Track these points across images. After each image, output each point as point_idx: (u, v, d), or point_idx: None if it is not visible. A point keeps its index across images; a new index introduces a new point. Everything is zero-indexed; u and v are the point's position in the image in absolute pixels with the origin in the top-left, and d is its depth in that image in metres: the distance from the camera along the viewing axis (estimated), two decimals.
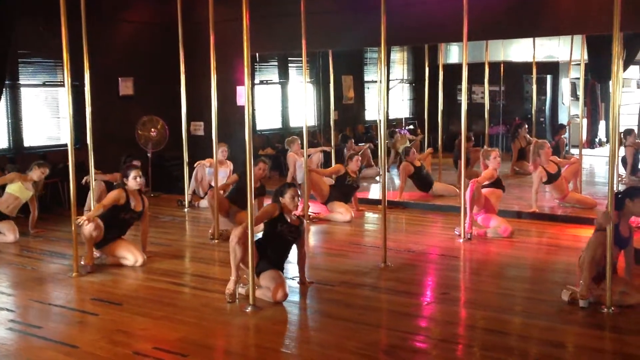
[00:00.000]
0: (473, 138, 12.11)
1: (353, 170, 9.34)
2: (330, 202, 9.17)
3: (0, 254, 7.55)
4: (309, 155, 9.57)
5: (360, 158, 9.51)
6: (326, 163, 11.55)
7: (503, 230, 7.85)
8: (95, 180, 7.93)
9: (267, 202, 6.22)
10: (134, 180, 6.97)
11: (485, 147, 11.99)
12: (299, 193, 5.98)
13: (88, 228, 6.67)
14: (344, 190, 9.28)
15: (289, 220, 5.81)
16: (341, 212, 8.98)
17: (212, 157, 8.89)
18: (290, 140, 11.35)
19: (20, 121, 10.22)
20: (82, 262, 6.72)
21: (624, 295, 5.42)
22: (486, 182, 8.01)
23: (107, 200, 7.04)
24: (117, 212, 6.93)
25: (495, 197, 8.09)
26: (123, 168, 7.43)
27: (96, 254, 6.91)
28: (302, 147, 9.34)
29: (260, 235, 5.92)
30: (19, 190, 8.28)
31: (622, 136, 10.97)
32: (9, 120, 10.09)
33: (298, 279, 6.16)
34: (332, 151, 11.29)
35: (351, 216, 8.94)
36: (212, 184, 9.43)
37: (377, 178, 11.97)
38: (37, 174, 8.46)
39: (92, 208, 7.84)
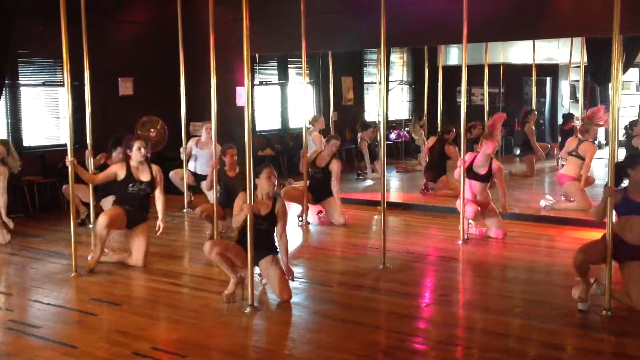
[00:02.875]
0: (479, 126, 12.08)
1: (323, 158, 8.73)
2: (322, 201, 8.89)
3: None
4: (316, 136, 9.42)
5: (338, 144, 8.89)
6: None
7: (495, 233, 7.87)
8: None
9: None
10: (137, 151, 6.80)
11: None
12: (275, 173, 5.81)
13: (101, 222, 6.58)
14: (315, 184, 8.77)
15: (256, 211, 5.59)
16: (335, 209, 8.81)
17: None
18: (314, 119, 11.18)
19: (19, 121, 10.20)
20: (89, 258, 6.72)
21: (624, 297, 5.42)
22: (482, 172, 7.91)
23: (102, 174, 7.03)
24: (123, 187, 6.81)
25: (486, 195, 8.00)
26: (125, 140, 7.19)
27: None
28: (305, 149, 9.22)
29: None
30: None
31: (628, 126, 10.98)
32: (9, 120, 10.07)
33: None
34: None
35: (344, 219, 8.73)
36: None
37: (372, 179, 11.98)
38: None
39: (91, 208, 7.89)
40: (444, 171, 10.41)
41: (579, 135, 9.22)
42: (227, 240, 5.78)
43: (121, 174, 6.84)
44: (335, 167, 8.72)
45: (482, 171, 7.82)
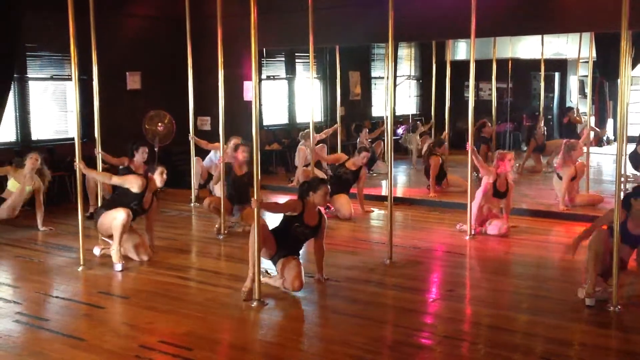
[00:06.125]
0: (490, 124, 12.09)
1: (355, 164, 9.16)
2: (331, 198, 9.05)
3: (7, 247, 7.59)
4: (319, 142, 9.49)
5: (368, 155, 9.33)
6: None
7: (497, 228, 7.85)
8: (102, 161, 7.98)
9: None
10: (159, 176, 6.86)
11: (494, 145, 12.06)
12: (329, 192, 6.00)
13: (122, 218, 6.53)
14: (338, 182, 9.09)
15: (305, 220, 5.82)
16: (342, 204, 8.92)
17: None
18: (305, 134, 11.28)
19: (28, 114, 10.24)
20: (97, 252, 6.71)
21: (634, 285, 5.41)
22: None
23: (122, 178, 7.02)
24: (129, 200, 6.78)
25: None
26: (150, 163, 7.33)
27: (107, 240, 6.91)
28: (313, 143, 9.26)
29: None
30: (12, 186, 8.22)
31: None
32: (17, 114, 10.11)
33: (315, 276, 6.13)
34: (339, 146, 11.27)
35: (350, 213, 8.86)
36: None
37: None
38: (29, 165, 8.25)
39: (99, 202, 7.91)
40: (444, 174, 10.40)
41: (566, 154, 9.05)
42: (265, 223, 5.76)
43: (141, 186, 6.77)
44: (364, 172, 9.32)
45: (503, 189, 7.95)
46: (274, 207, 6.14)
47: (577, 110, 13.62)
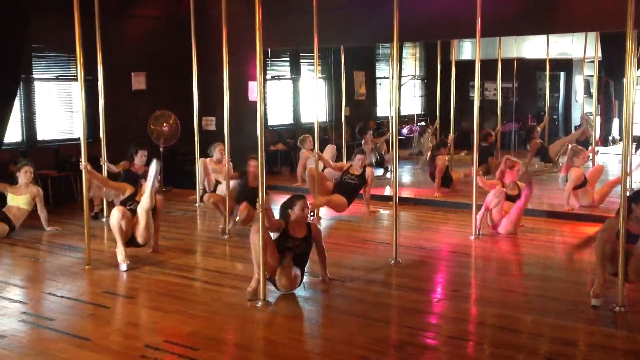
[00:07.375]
0: (493, 134, 12.05)
1: (355, 169, 9.21)
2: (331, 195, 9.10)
3: (13, 247, 7.62)
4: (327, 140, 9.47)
5: (364, 158, 9.30)
6: (339, 159, 11.52)
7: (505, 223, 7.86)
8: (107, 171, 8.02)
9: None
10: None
11: (498, 145, 12.04)
12: (308, 204, 5.96)
13: (115, 217, 6.55)
14: (343, 187, 9.14)
15: (291, 234, 5.77)
16: (337, 204, 8.96)
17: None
18: (302, 138, 11.32)
19: (33, 115, 10.27)
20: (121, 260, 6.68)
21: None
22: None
23: (114, 184, 7.33)
24: (125, 200, 6.94)
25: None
26: (143, 171, 7.43)
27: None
28: (314, 143, 9.29)
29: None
30: (12, 201, 8.18)
31: None
32: (23, 114, 10.14)
33: (320, 276, 6.14)
34: (344, 146, 11.28)
35: (342, 211, 8.91)
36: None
37: (388, 175, 11.96)
38: (22, 178, 8.21)
39: (104, 202, 7.95)
40: (450, 177, 10.37)
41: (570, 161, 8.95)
42: (269, 237, 5.75)
43: (128, 192, 7.03)
44: (370, 174, 9.24)
45: (514, 192, 7.97)
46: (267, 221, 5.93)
47: (582, 110, 13.61)
